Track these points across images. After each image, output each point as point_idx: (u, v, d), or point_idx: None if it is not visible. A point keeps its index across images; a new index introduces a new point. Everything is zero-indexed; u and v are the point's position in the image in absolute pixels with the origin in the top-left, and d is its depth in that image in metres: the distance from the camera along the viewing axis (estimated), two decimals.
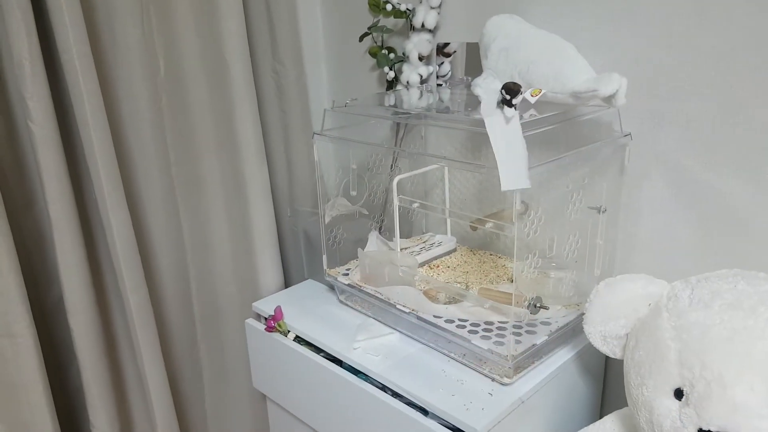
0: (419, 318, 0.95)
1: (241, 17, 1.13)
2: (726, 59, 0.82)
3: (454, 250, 1.21)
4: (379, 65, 1.25)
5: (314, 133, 1.06)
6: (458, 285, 1.02)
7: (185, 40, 1.12)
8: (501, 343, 0.86)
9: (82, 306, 1.01)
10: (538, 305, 0.85)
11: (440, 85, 1.21)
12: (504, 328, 0.90)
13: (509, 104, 0.76)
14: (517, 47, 0.88)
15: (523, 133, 0.75)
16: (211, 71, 1.15)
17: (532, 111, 0.83)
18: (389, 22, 1.24)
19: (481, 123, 0.77)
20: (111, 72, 1.03)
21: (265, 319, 1.12)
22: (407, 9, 1.17)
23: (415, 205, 0.98)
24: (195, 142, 1.18)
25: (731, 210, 0.87)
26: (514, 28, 0.92)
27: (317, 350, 1.02)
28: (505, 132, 0.74)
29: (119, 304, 1.08)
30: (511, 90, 0.76)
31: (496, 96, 0.81)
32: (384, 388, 0.89)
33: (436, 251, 1.18)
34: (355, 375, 0.93)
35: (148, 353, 1.08)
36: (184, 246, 1.21)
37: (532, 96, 0.82)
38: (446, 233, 1.24)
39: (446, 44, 1.17)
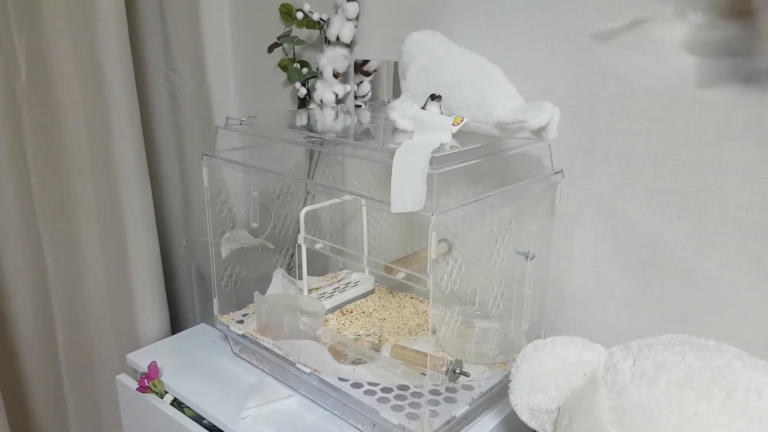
0: (322, 380, 0.81)
1: (122, 15, 0.97)
2: (670, 92, 0.74)
3: (372, 291, 1.08)
4: (290, 80, 1.12)
5: (203, 154, 0.91)
6: (370, 338, 0.89)
7: (55, 40, 0.95)
8: (416, 416, 0.73)
9: None
10: (457, 371, 0.73)
11: (359, 106, 1.09)
12: (420, 394, 0.77)
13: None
14: (438, 68, 0.77)
15: (437, 165, 0.64)
16: (85, 78, 0.98)
17: (453, 142, 0.72)
18: (303, 33, 1.11)
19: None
20: None
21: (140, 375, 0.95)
22: (321, 19, 1.05)
23: (318, 245, 0.84)
24: (65, 161, 1.00)
25: (673, 260, 0.79)
26: (437, 47, 0.81)
27: (200, 417, 0.86)
28: (411, 147, 0.62)
29: None
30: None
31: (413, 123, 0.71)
32: None
33: (352, 293, 1.05)
34: None
35: None
36: (47, 284, 1.02)
37: (453, 125, 0.71)
38: (364, 271, 1.11)
39: (366, 61, 1.05)
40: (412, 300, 1.04)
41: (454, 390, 0.79)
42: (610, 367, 0.64)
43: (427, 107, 0.72)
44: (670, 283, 0.80)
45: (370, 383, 0.80)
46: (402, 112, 0.80)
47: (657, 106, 0.76)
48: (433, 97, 0.72)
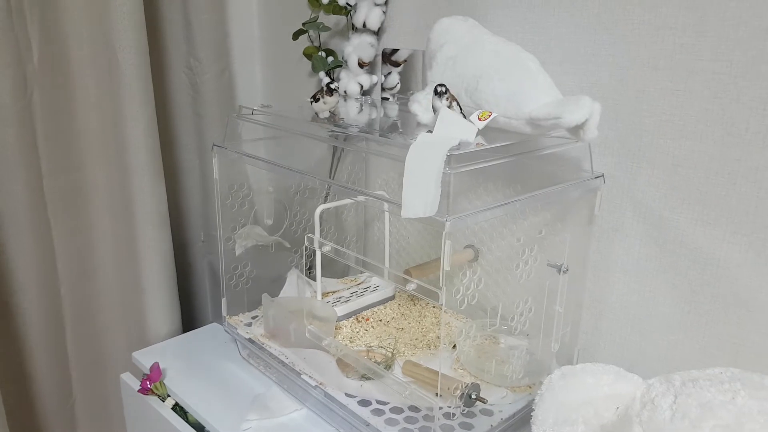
0: (327, 395, 0.76)
1: None
2: (728, 90, 0.66)
3: (392, 297, 1.03)
4: (315, 69, 1.08)
5: (214, 145, 0.88)
6: (383, 350, 0.84)
7: (69, 21, 0.93)
8: None
9: None
10: (473, 396, 0.67)
11: (386, 98, 1.04)
12: (431, 418, 0.71)
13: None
14: (466, 57, 0.71)
15: (455, 165, 0.58)
16: (98, 61, 0.96)
17: (479, 139, 0.66)
18: (331, 20, 1.07)
19: None
20: None
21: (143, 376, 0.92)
22: (347, 4, 1.00)
23: (326, 248, 0.80)
24: (77, 149, 0.98)
25: (727, 281, 0.71)
26: (467, 34, 0.75)
27: (200, 427, 0.83)
28: (425, 145, 0.57)
29: None
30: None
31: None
32: None
33: (370, 298, 1.00)
34: None
35: None
36: (57, 276, 1.01)
37: (479, 120, 0.65)
38: (383, 275, 1.06)
39: (395, 50, 1.00)
40: (434, 309, 0.98)
41: (471, 415, 0.73)
42: (647, 402, 0.57)
43: (434, 105, 0.66)
44: (722, 308, 0.72)
45: (378, 401, 0.75)
46: (425, 105, 0.74)
47: (714, 106, 0.68)
48: (438, 92, 0.65)
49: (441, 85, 0.65)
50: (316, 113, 0.86)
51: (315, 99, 0.83)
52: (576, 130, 0.63)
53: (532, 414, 0.65)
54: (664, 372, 0.61)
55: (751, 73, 0.64)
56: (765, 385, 0.54)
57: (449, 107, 0.64)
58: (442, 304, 0.59)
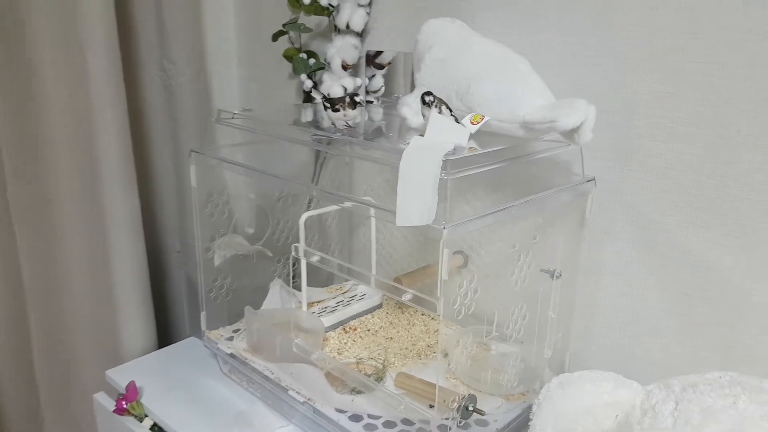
0: (316, 411, 0.75)
1: None
2: (720, 93, 0.68)
3: (380, 305, 1.03)
4: (296, 72, 1.07)
5: (191, 151, 0.87)
6: (373, 362, 0.83)
7: (37, 18, 0.91)
8: None
9: None
10: (470, 408, 0.67)
11: (370, 102, 1.04)
12: None
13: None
14: (456, 60, 0.72)
15: (451, 170, 0.58)
16: (66, 63, 0.93)
17: (470, 143, 0.66)
18: (312, 21, 1.06)
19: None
20: None
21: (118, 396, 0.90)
22: (330, 5, 1.00)
23: (315, 258, 0.79)
24: (43, 155, 0.96)
25: (718, 284, 0.73)
26: (455, 36, 0.76)
27: None
28: (420, 150, 0.57)
29: None
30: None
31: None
32: None
33: (356, 307, 0.99)
34: None
35: None
36: (22, 289, 0.98)
37: (472, 124, 0.66)
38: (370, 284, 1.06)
39: (378, 53, 1.00)
40: (423, 317, 0.98)
41: (466, 426, 0.73)
42: (647, 409, 0.57)
43: (423, 113, 0.66)
44: (713, 310, 0.73)
45: (370, 416, 0.74)
46: (415, 108, 0.74)
47: (705, 108, 0.69)
48: (426, 101, 0.65)
49: (428, 93, 0.66)
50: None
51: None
52: (571, 133, 0.64)
53: (529, 424, 0.66)
54: (655, 375, 0.62)
55: (742, 75, 0.66)
56: (765, 389, 0.55)
57: (439, 113, 0.64)
58: (440, 314, 0.58)
